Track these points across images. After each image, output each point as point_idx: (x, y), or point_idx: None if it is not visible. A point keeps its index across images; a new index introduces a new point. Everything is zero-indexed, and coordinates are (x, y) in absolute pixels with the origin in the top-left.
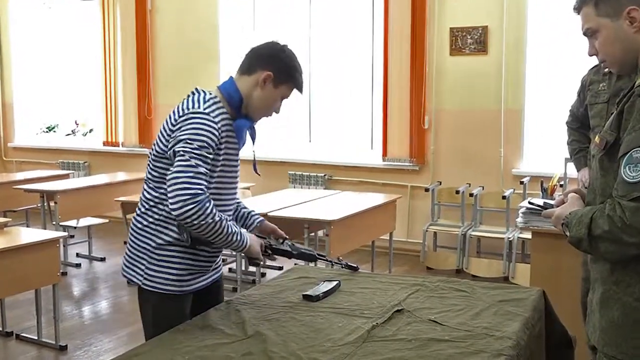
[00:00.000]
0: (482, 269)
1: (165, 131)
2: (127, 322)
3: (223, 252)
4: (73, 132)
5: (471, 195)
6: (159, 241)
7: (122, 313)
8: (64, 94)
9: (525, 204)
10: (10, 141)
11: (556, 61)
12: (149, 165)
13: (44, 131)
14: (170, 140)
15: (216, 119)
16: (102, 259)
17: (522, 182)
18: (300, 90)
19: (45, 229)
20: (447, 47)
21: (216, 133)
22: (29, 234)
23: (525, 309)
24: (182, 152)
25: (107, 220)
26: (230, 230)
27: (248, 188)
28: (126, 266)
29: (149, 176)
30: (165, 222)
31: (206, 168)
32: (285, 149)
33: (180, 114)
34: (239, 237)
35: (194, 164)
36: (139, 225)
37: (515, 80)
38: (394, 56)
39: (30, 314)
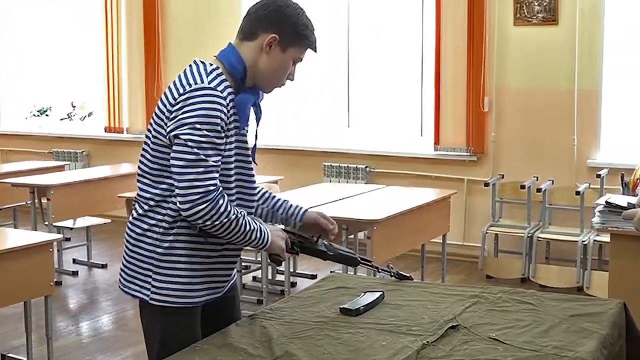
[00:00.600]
0: (551, 277)
1: (163, 112)
2: (132, 341)
3: (244, 257)
4: (69, 116)
5: (539, 190)
6: (166, 245)
7: (126, 330)
8: (58, 71)
9: (602, 201)
10: None
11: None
12: (144, 157)
13: (34, 115)
14: (170, 124)
15: (224, 94)
16: (103, 266)
17: (599, 176)
18: (314, 49)
19: (36, 230)
20: (510, 16)
21: (225, 111)
22: (16, 237)
23: (602, 325)
24: (188, 141)
25: (108, 221)
26: (248, 227)
27: (276, 182)
28: (126, 280)
29: (146, 170)
30: (170, 222)
31: (217, 158)
32: (319, 136)
33: (181, 90)
34: (258, 234)
35: (203, 157)
36: (139, 231)
37: (590, 55)
38: (448, 27)
39: (19, 331)
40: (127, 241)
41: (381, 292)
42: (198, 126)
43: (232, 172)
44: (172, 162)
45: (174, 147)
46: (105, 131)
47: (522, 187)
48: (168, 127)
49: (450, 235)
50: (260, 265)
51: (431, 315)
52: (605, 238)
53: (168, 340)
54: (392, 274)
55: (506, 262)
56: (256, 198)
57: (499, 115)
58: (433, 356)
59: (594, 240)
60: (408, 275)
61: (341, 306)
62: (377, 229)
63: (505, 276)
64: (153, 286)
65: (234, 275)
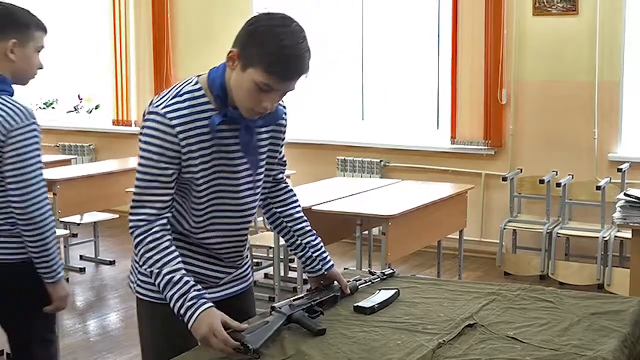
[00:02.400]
0: (571, 274)
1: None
2: None
3: (256, 253)
4: (76, 108)
5: (558, 185)
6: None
7: (135, 328)
8: (65, 63)
9: (624, 196)
10: None
11: None
12: None
13: (40, 107)
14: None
15: (173, 122)
16: (111, 263)
17: (620, 170)
18: (281, 78)
19: None
20: (529, 6)
21: (170, 139)
22: None
23: (623, 323)
24: (138, 165)
25: (116, 216)
26: (168, 284)
27: (288, 176)
28: (130, 271)
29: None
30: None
31: (157, 186)
32: (333, 130)
33: (147, 109)
34: (178, 303)
35: (140, 188)
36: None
37: (611, 46)
38: (465, 17)
39: None
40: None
41: (396, 290)
42: (145, 154)
43: (203, 200)
44: None
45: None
46: (112, 124)
47: (541, 181)
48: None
49: (467, 231)
50: (271, 262)
51: (447, 314)
52: (627, 234)
53: (156, 337)
54: (379, 277)
55: (525, 258)
56: (247, 219)
57: (517, 108)
58: (449, 355)
59: (615, 236)
60: (391, 270)
61: (355, 304)
62: (392, 225)
63: (524, 273)
64: (138, 279)
65: (249, 275)
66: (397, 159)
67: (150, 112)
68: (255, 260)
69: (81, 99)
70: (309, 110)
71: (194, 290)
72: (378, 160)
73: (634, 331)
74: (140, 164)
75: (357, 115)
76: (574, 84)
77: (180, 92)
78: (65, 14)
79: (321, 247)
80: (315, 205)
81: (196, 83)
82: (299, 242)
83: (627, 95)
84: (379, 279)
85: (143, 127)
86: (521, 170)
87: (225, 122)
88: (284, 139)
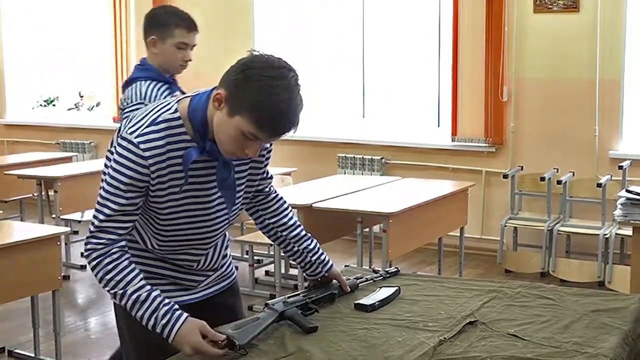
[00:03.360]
0: (572, 272)
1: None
2: None
3: (256, 250)
4: (76, 106)
5: (559, 182)
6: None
7: None
8: (66, 60)
9: (624, 193)
10: (1, 117)
11: None
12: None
13: (41, 105)
14: (105, 162)
15: (146, 153)
16: None
17: (621, 167)
18: (273, 133)
19: (43, 223)
20: (530, 4)
21: (141, 170)
22: (23, 230)
23: (624, 320)
24: (101, 189)
25: None
26: (135, 304)
27: (288, 174)
28: None
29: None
30: None
31: (121, 213)
32: (333, 127)
33: (121, 132)
34: (150, 322)
35: (103, 215)
36: None
37: (612, 43)
38: (466, 14)
39: (26, 327)
40: None
41: (397, 287)
42: (112, 182)
43: (167, 227)
44: None
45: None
46: (113, 121)
47: (542, 179)
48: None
49: (468, 229)
50: (272, 259)
51: (448, 311)
52: (628, 231)
53: (137, 342)
54: (382, 276)
55: (525, 256)
56: (219, 239)
57: (518, 105)
58: (450, 352)
59: (616, 234)
60: (396, 268)
61: (356, 301)
62: (392, 222)
63: (525, 270)
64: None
65: (230, 273)
66: (398, 156)
67: (123, 138)
68: (256, 257)
69: (82, 96)
70: (310, 108)
71: (164, 306)
72: (379, 158)
73: (634, 328)
74: (106, 190)
75: (357, 112)
76: (575, 82)
77: (157, 120)
78: (67, 11)
79: (319, 249)
80: (316, 202)
81: (175, 111)
82: (296, 248)
83: (627, 93)
84: (381, 277)
85: (114, 153)
86: (522, 167)
87: (201, 156)
88: (266, 164)
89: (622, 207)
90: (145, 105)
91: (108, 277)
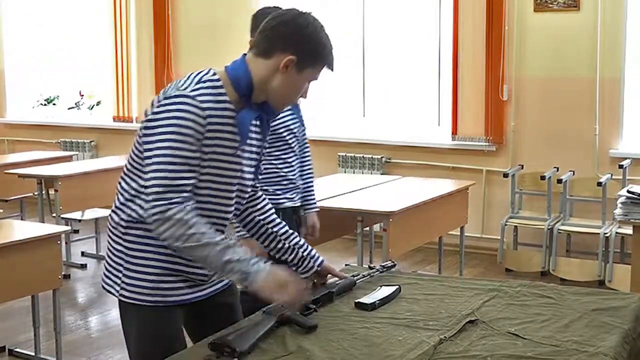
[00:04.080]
0: (572, 271)
1: (146, 113)
2: None
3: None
4: (77, 105)
5: (559, 181)
6: (132, 239)
7: None
8: (66, 59)
9: (625, 192)
10: (1, 116)
11: None
12: (131, 151)
13: (41, 104)
14: (147, 132)
15: (203, 105)
16: None
17: (621, 166)
18: (332, 69)
19: (43, 222)
20: (530, 2)
21: (200, 121)
22: (24, 229)
23: (624, 319)
24: (157, 149)
25: None
26: (227, 249)
27: None
28: (105, 275)
29: (128, 165)
30: (137, 219)
31: (187, 169)
32: (334, 126)
33: (167, 94)
34: (236, 266)
35: (168, 173)
36: (112, 223)
37: (612, 42)
38: (466, 13)
39: (26, 326)
40: (107, 233)
41: (397, 286)
42: (166, 134)
43: (203, 185)
44: (145, 168)
45: (145, 154)
46: (113, 120)
47: (542, 178)
48: (144, 129)
49: (468, 228)
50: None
51: (449, 310)
52: (628, 230)
53: (145, 340)
54: (379, 270)
55: (526, 255)
56: (230, 215)
57: (519, 104)
58: (451, 351)
59: (616, 233)
60: (392, 262)
61: (356, 300)
62: (393, 221)
63: (525, 269)
64: (123, 282)
65: (223, 279)
66: (398, 155)
67: (176, 96)
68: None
69: (82, 95)
70: (310, 107)
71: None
72: (379, 157)
73: (634, 327)
74: (164, 148)
75: (358, 111)
76: (575, 81)
77: (203, 79)
78: (67, 11)
79: (307, 245)
80: (317, 201)
81: (214, 74)
82: (287, 245)
83: (628, 92)
84: (378, 272)
85: (166, 111)
86: (522, 166)
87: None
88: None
89: (622, 206)
90: None
91: (192, 230)
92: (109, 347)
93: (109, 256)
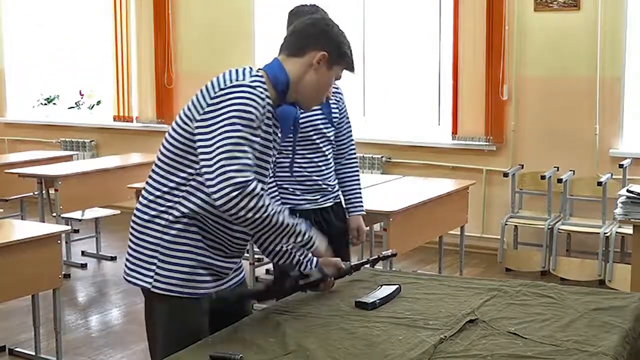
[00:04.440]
0: (572, 270)
1: (195, 107)
2: (143, 335)
3: (257, 249)
4: (77, 104)
5: (560, 181)
6: (174, 233)
7: (136, 324)
8: (66, 59)
9: (625, 192)
10: (1, 115)
11: None
12: (164, 145)
13: (41, 103)
14: (205, 118)
15: (262, 95)
16: (113, 258)
17: (621, 166)
18: (352, 70)
19: (44, 221)
20: (530, 2)
21: (260, 110)
22: (24, 228)
23: (624, 319)
24: (225, 133)
25: (118, 212)
26: (287, 224)
27: None
28: (130, 269)
29: (164, 158)
30: (180, 213)
31: (252, 153)
32: None
33: (222, 86)
34: (300, 234)
35: (238, 153)
36: (146, 217)
37: (613, 41)
38: (466, 13)
39: (27, 325)
40: (133, 228)
41: (397, 286)
42: (235, 119)
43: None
44: (203, 154)
45: (209, 142)
46: (114, 120)
47: (543, 177)
48: (204, 123)
49: (469, 227)
50: None
51: (449, 309)
52: (628, 230)
53: (173, 332)
54: (378, 258)
55: (526, 254)
56: None
57: (519, 104)
58: (451, 351)
59: (616, 232)
60: (391, 253)
61: (356, 299)
62: (393, 221)
63: (525, 269)
64: (157, 274)
65: (242, 271)
66: (399, 155)
67: (237, 86)
68: (256, 256)
69: (82, 95)
70: None
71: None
72: (379, 156)
73: (635, 327)
74: (232, 131)
75: (358, 111)
76: (576, 80)
77: (254, 74)
78: (67, 10)
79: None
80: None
81: (259, 71)
82: (284, 248)
83: (628, 91)
84: (377, 258)
85: (229, 99)
86: (522, 166)
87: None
88: None
89: (622, 205)
90: None
91: (268, 201)
92: (110, 346)
93: (137, 250)
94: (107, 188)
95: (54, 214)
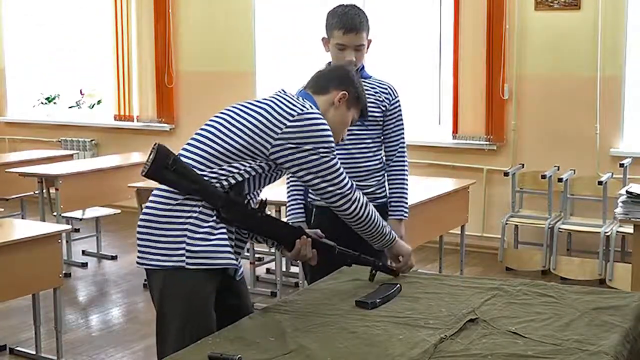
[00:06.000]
0: (573, 269)
1: (267, 126)
2: (143, 334)
3: (257, 248)
4: (77, 103)
5: (560, 180)
6: (204, 217)
7: (137, 323)
8: (67, 58)
9: (625, 191)
10: (2, 115)
11: None
12: (210, 138)
13: (42, 103)
14: (288, 137)
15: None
16: (114, 258)
17: (622, 165)
18: (365, 115)
19: (44, 221)
20: (531, 1)
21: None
22: (24, 228)
23: (625, 318)
24: (323, 154)
25: (118, 211)
26: (381, 222)
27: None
28: (152, 254)
29: (209, 150)
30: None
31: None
32: None
33: (294, 113)
34: (387, 230)
35: (337, 163)
36: (179, 197)
37: (613, 40)
38: (467, 12)
39: (27, 324)
40: (157, 214)
41: (398, 285)
42: (328, 139)
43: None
44: (307, 170)
45: (308, 159)
46: (114, 119)
47: (543, 176)
48: (282, 140)
49: (469, 226)
50: (273, 257)
51: (449, 309)
52: (629, 229)
53: (193, 302)
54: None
55: (526, 253)
56: None
57: (519, 103)
58: (451, 350)
59: (617, 232)
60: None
61: (357, 299)
62: None
63: (526, 268)
64: (187, 250)
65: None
66: None
67: (312, 113)
68: (257, 255)
69: (83, 94)
70: None
71: None
72: None
73: (635, 326)
74: (330, 154)
75: None
76: (576, 79)
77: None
78: (67, 10)
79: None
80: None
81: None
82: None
83: (629, 90)
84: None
85: (315, 125)
86: (523, 165)
87: None
88: None
89: (623, 204)
90: None
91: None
92: (110, 345)
93: (162, 234)
94: (108, 187)
95: (55, 213)
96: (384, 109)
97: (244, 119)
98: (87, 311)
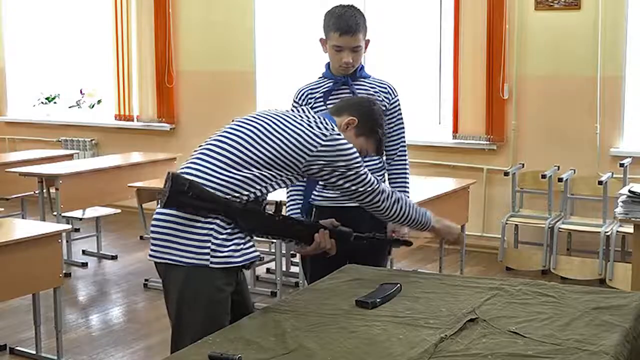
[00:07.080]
0: (573, 269)
1: (300, 144)
2: (143, 333)
3: (257, 248)
4: (78, 103)
5: (560, 180)
6: (230, 218)
7: (137, 322)
8: (67, 57)
9: (626, 191)
10: (2, 114)
11: None
12: (236, 140)
13: (42, 102)
14: (318, 160)
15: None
16: (114, 257)
17: (622, 165)
18: (379, 152)
19: (44, 220)
20: (531, 1)
21: None
22: (24, 227)
23: (625, 318)
24: (356, 170)
25: (118, 211)
26: (412, 208)
27: None
28: (174, 249)
29: (236, 152)
30: (242, 195)
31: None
32: None
33: (326, 134)
34: (422, 216)
35: (367, 173)
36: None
37: (614, 40)
38: (467, 11)
39: (27, 324)
40: (180, 215)
41: (398, 285)
42: (354, 160)
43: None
44: (345, 183)
45: (345, 174)
46: (114, 119)
47: (543, 176)
48: (316, 157)
49: (469, 226)
50: (273, 257)
51: (449, 308)
52: (629, 229)
53: (212, 299)
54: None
55: (526, 253)
56: None
57: (520, 103)
58: (451, 350)
59: (617, 231)
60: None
61: (357, 298)
62: None
63: (526, 268)
64: (212, 249)
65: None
66: None
67: (337, 135)
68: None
69: (83, 93)
70: None
71: None
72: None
73: (635, 326)
74: (359, 166)
75: None
76: (576, 79)
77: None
78: (68, 8)
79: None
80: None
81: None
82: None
83: (629, 90)
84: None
85: (344, 144)
86: (523, 165)
87: None
88: None
89: (623, 204)
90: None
91: (396, 196)
92: (110, 345)
93: (187, 231)
94: (108, 187)
95: (55, 213)
96: (383, 108)
97: (283, 130)
98: (87, 311)
